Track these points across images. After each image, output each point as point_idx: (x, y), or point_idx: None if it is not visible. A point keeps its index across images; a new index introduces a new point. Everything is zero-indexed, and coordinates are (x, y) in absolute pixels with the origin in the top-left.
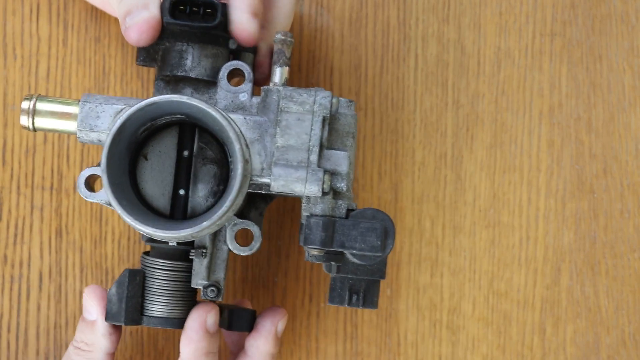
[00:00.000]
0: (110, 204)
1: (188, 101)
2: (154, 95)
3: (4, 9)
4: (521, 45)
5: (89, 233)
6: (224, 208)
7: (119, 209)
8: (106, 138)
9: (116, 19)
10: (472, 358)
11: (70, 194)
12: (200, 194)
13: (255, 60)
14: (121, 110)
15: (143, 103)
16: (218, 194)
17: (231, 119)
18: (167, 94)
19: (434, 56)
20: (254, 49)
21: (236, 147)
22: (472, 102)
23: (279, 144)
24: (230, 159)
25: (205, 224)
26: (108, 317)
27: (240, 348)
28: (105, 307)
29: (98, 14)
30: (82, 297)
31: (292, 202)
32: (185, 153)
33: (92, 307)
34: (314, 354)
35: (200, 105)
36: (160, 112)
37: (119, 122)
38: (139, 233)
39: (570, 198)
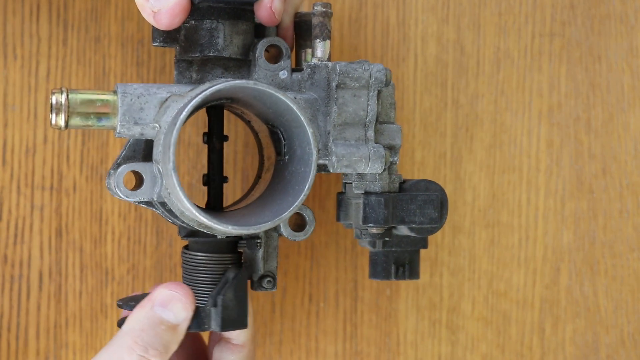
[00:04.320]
0: (155, 204)
1: (255, 86)
2: (176, 77)
3: (4, 9)
4: (520, 45)
5: (89, 233)
6: (302, 196)
7: (193, 209)
8: (173, 133)
9: (116, 19)
10: (472, 357)
11: (70, 194)
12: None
13: (277, 33)
14: (166, 99)
15: (209, 92)
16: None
17: (298, 103)
18: (193, 75)
19: (434, 56)
20: None
21: (309, 132)
22: (471, 102)
23: (337, 122)
24: (284, 142)
25: (285, 215)
26: (226, 325)
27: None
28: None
29: (98, 14)
30: (159, 293)
31: None
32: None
33: (185, 309)
34: (314, 353)
35: (269, 90)
36: (212, 98)
37: (184, 114)
38: (139, 233)
39: (570, 198)
